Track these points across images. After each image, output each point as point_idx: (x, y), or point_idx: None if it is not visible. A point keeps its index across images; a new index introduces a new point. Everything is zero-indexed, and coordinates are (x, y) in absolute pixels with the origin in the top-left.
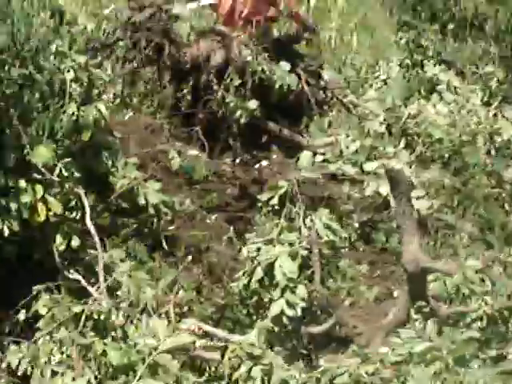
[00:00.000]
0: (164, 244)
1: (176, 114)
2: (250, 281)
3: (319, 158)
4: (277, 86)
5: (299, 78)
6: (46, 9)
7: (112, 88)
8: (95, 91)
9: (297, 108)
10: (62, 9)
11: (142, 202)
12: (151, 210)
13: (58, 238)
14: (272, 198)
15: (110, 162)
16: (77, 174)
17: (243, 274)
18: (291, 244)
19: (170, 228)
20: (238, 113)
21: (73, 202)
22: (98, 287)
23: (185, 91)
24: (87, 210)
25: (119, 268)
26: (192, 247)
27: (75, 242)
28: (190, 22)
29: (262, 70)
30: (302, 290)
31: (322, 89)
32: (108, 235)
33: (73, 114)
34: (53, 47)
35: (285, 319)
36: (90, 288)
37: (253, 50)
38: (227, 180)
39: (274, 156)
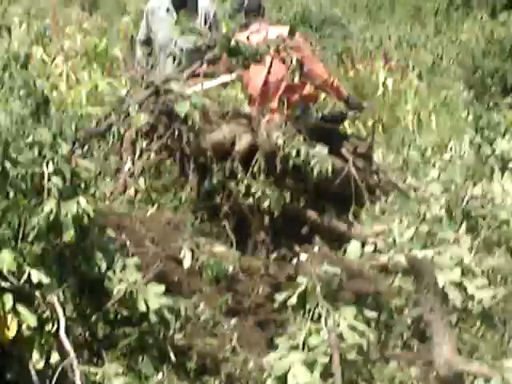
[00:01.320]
0: (172, 355)
1: (201, 208)
2: None
3: (369, 248)
4: (315, 171)
5: (346, 161)
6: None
7: (134, 183)
8: (82, 185)
9: (343, 194)
10: (46, 96)
11: (142, 308)
12: (153, 317)
13: (35, 355)
14: (290, 297)
15: (103, 265)
16: (46, 280)
17: None
18: (311, 350)
19: (178, 337)
20: (266, 203)
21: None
22: None
23: (206, 182)
24: (61, 321)
25: None
26: (207, 357)
27: (54, 359)
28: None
29: (297, 153)
30: None
31: (374, 172)
32: (107, 347)
33: (51, 211)
34: (31, 137)
35: None
36: None
37: (285, 133)
38: (259, 278)
39: (316, 248)
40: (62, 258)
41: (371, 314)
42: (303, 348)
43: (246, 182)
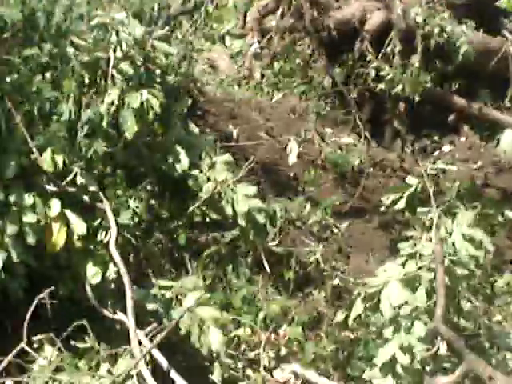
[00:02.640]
0: (266, 265)
1: (328, 94)
2: (347, 317)
3: None
4: (461, 51)
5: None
6: None
7: (258, 67)
8: (157, 73)
9: (500, 78)
10: None
11: (228, 211)
12: (241, 221)
13: (89, 268)
14: (398, 200)
15: (185, 162)
16: (92, 187)
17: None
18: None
19: (272, 243)
20: (399, 87)
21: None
22: None
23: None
24: (113, 230)
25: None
26: (309, 267)
27: (111, 273)
28: None
29: (441, 31)
30: (419, 328)
31: None
32: (192, 254)
33: (112, 103)
34: (95, 19)
35: (399, 368)
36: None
37: (424, 9)
38: (393, 173)
39: (463, 139)
40: (134, 156)
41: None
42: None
43: (376, 64)
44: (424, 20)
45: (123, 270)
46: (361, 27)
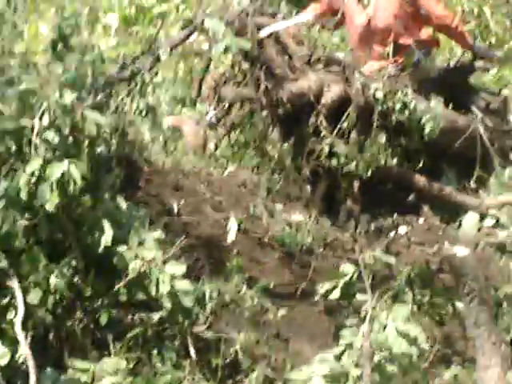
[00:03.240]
0: (192, 351)
1: (283, 168)
2: None
3: (490, 222)
4: (426, 129)
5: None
6: None
7: (212, 137)
8: (85, 142)
9: (467, 157)
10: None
11: (152, 292)
12: (166, 303)
13: None
14: (333, 289)
15: (109, 237)
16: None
17: None
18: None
19: (199, 328)
20: (353, 165)
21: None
22: None
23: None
24: (20, 310)
25: None
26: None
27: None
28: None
29: (403, 108)
30: None
31: (508, 132)
32: (116, 335)
33: (32, 174)
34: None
35: None
36: None
37: (386, 84)
38: (343, 253)
39: (421, 220)
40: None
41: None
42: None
43: (329, 140)
44: (385, 95)
45: (28, 353)
46: (317, 101)
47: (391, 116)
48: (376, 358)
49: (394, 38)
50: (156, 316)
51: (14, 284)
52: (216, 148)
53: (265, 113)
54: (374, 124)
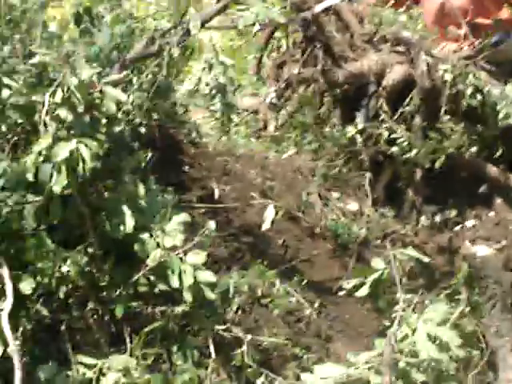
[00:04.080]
0: (211, 348)
1: (342, 154)
2: None
3: None
4: (501, 115)
5: None
6: None
7: (273, 119)
8: (102, 121)
9: None
10: None
11: (174, 284)
12: (187, 296)
13: None
14: (360, 286)
15: (129, 224)
16: None
17: None
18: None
19: (221, 326)
20: (413, 153)
21: None
22: None
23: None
24: (8, 300)
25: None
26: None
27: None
28: None
29: (475, 92)
30: None
31: None
32: (135, 328)
33: (40, 153)
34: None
35: None
36: None
37: (456, 66)
38: (403, 247)
39: (492, 213)
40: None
41: None
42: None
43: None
44: (454, 78)
45: (13, 348)
46: (378, 83)
47: (462, 101)
48: (401, 365)
49: (471, 17)
50: (179, 309)
51: (4, 272)
52: (276, 130)
53: (324, 94)
54: (442, 109)
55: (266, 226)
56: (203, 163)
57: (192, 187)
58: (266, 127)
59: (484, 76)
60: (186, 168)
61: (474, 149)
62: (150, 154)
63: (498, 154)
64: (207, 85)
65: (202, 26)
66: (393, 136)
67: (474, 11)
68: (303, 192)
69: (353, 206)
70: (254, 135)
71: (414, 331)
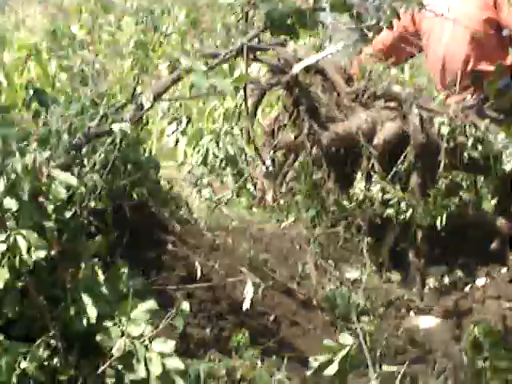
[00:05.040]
0: None
1: (338, 220)
2: None
3: None
4: (508, 165)
5: None
6: None
7: (270, 188)
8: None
9: None
10: None
11: (141, 374)
12: None
13: None
14: (328, 363)
15: (92, 313)
16: None
17: None
18: None
19: None
20: (408, 214)
21: None
22: None
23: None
24: None
25: None
26: None
27: None
28: None
29: (477, 142)
30: None
31: None
32: None
33: None
34: None
35: None
36: None
37: (454, 118)
38: (407, 314)
39: (504, 270)
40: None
41: None
42: None
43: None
44: (453, 130)
45: None
46: (368, 142)
47: (462, 154)
48: None
49: (473, 65)
50: None
51: None
52: (274, 199)
53: (316, 159)
54: (441, 164)
55: (246, 304)
56: (190, 240)
57: (175, 267)
58: (262, 198)
59: (484, 125)
60: (170, 247)
61: (487, 205)
62: (119, 236)
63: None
64: (216, 156)
65: (155, 99)
66: (386, 197)
67: (475, 58)
68: (298, 262)
69: (352, 274)
70: (256, 206)
71: None
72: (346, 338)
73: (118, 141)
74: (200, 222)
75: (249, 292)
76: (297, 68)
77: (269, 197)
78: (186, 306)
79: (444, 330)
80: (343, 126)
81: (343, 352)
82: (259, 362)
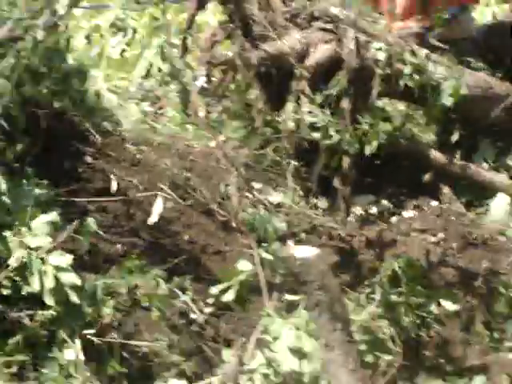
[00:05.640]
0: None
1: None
2: None
3: None
4: (444, 97)
5: None
6: None
7: (203, 105)
8: None
9: (506, 131)
10: None
11: (35, 286)
12: (48, 300)
13: None
14: (226, 291)
15: None
16: None
17: None
18: None
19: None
20: (335, 139)
21: None
22: None
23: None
24: None
25: None
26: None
27: None
28: None
29: (415, 71)
30: None
31: None
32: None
33: None
34: None
35: None
36: None
37: (391, 44)
38: (330, 241)
39: (435, 203)
40: None
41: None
42: None
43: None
44: (390, 57)
45: None
46: (301, 63)
47: (397, 81)
48: (258, 377)
49: None
50: (47, 313)
51: None
52: (207, 117)
53: (250, 77)
54: (374, 91)
55: (152, 219)
56: (111, 153)
57: (92, 179)
58: (195, 113)
59: (425, 54)
60: (88, 158)
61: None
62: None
63: (455, 139)
64: (160, 70)
65: (71, 7)
66: (313, 120)
67: None
68: (222, 183)
69: (276, 197)
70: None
71: (275, 339)
72: (245, 265)
73: (28, 47)
74: (125, 134)
75: (157, 208)
76: None
77: (200, 114)
78: (91, 221)
79: (321, 261)
80: (275, 45)
81: (240, 278)
82: (162, 282)
